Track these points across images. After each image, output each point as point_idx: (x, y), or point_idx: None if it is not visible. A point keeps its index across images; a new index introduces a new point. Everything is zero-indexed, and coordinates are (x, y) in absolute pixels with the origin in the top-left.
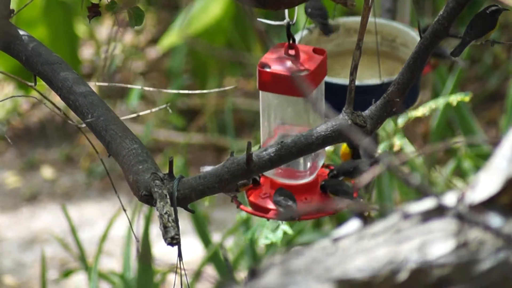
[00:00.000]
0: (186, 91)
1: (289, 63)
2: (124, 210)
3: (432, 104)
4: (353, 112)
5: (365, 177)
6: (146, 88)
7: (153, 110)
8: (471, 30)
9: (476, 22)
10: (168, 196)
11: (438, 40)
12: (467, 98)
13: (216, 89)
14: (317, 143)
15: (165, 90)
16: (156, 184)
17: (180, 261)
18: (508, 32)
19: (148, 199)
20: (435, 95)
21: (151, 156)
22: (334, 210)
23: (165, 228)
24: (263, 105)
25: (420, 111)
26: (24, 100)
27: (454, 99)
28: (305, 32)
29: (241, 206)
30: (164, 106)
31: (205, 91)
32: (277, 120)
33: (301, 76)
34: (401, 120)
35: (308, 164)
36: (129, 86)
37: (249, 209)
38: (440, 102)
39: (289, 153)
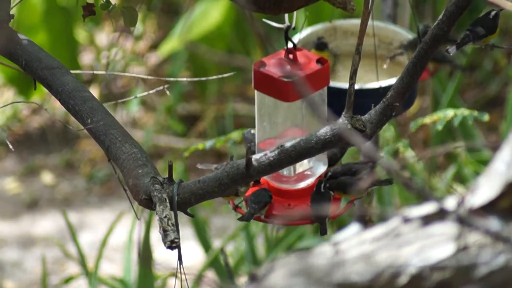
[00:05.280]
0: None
1: (284, 67)
2: (132, 205)
3: (441, 114)
4: (352, 116)
5: (366, 182)
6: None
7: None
8: (471, 32)
9: (477, 26)
10: (167, 200)
11: (438, 44)
12: (486, 118)
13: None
14: (317, 147)
15: (162, 77)
16: (156, 188)
17: (180, 265)
18: (509, 38)
19: (148, 203)
20: (435, 100)
21: (150, 160)
22: (311, 220)
23: (164, 232)
24: (257, 104)
25: (429, 119)
26: (24, 106)
27: (461, 114)
28: (303, 34)
29: (238, 209)
30: (161, 87)
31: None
32: (288, 123)
33: (289, 81)
34: (412, 126)
35: (296, 170)
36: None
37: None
38: (449, 114)
39: (288, 157)
